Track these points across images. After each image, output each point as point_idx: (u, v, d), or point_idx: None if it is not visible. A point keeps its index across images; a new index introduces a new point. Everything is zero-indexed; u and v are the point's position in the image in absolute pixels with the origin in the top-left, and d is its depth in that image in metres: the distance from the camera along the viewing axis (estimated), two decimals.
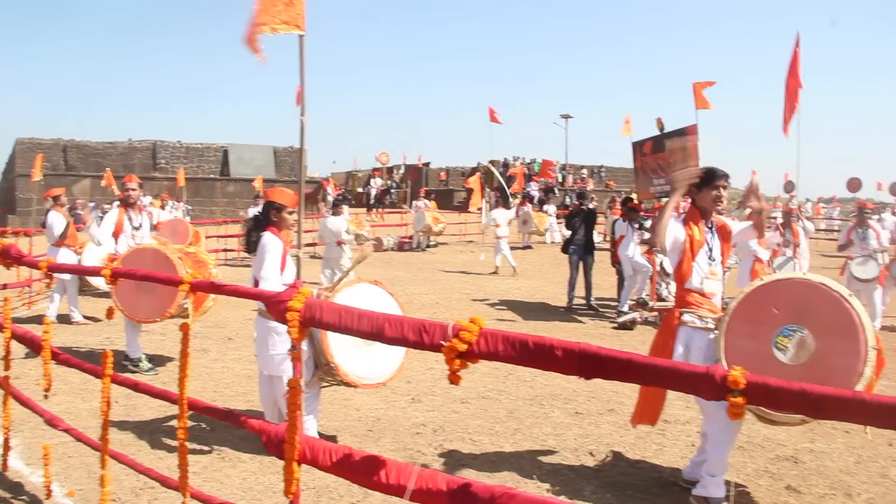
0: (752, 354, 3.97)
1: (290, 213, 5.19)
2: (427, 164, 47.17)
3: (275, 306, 2.70)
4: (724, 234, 4.70)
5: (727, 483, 4.44)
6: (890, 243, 11.64)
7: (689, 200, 4.75)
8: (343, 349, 4.75)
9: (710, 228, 4.64)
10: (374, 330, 2.36)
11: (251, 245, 5.14)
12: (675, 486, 4.69)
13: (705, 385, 1.78)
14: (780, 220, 11.21)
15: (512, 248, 18.27)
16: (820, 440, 5.62)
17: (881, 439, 5.59)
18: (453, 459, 5.12)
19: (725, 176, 4.60)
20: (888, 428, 1.74)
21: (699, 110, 12.25)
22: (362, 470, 2.49)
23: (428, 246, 23.25)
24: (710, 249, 4.57)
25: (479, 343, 2.08)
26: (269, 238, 5.04)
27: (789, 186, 31.41)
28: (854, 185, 36.52)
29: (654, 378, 1.96)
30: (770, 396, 1.78)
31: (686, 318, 4.44)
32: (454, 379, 2.14)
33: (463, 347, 2.09)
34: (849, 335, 3.76)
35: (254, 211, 17.46)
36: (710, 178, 4.57)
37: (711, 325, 4.36)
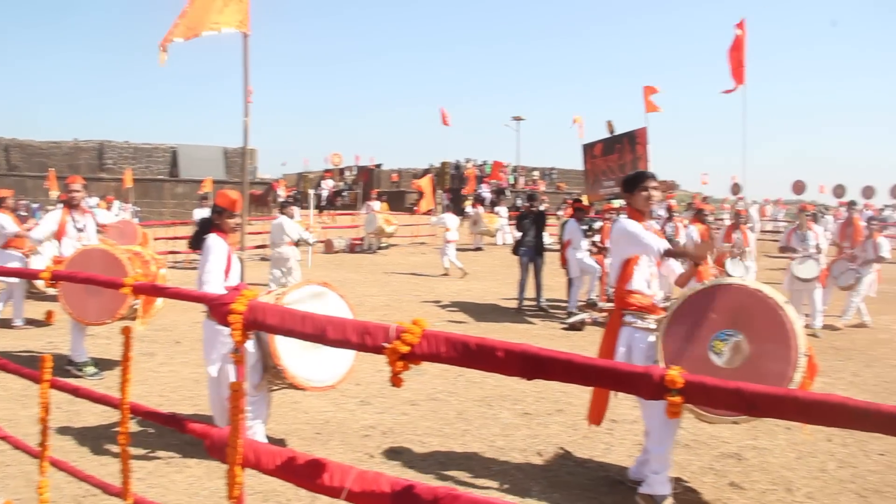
0: (689, 357, 4.05)
1: (233, 215, 5.15)
2: (379, 166, 47.11)
3: (217, 309, 2.67)
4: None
5: (672, 480, 4.51)
6: (830, 245, 11.93)
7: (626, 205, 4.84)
8: (291, 352, 4.71)
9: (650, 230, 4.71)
10: (317, 332, 2.34)
11: (196, 244, 5.11)
12: (622, 484, 4.75)
13: (644, 385, 1.81)
14: (729, 223, 11.45)
15: (463, 250, 18.33)
16: (763, 437, 5.74)
17: (820, 435, 5.72)
18: (402, 461, 5.11)
19: (652, 176, 4.69)
20: (819, 424, 1.78)
21: (648, 114, 12.48)
22: (305, 473, 2.47)
23: (379, 248, 23.18)
24: None
25: (422, 345, 2.08)
26: (213, 240, 5.00)
27: (736, 189, 31.95)
28: (799, 187, 37.44)
29: (594, 378, 1.98)
30: (707, 395, 1.81)
31: (628, 318, 4.50)
32: (396, 381, 2.13)
33: (405, 349, 2.08)
34: (782, 341, 3.87)
35: (200, 213, 17.26)
36: (638, 181, 4.67)
37: (653, 326, 4.42)
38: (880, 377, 8.14)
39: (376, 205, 24.34)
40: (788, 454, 5.43)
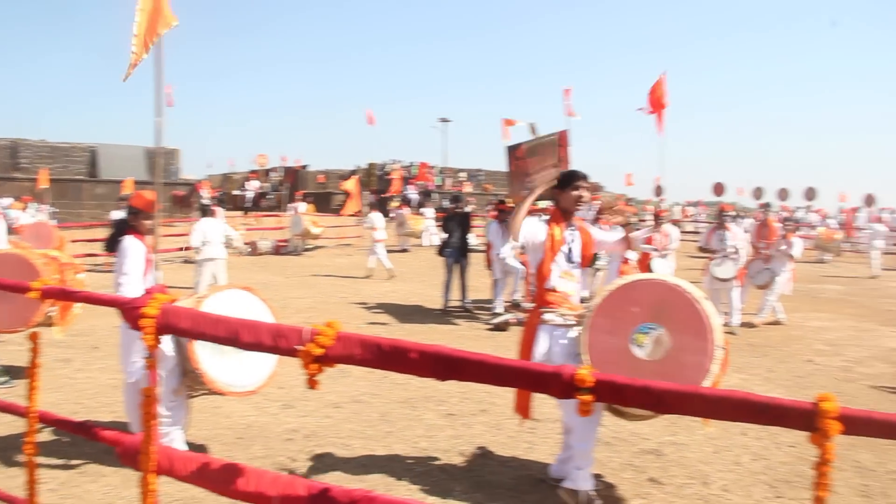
0: (612, 350, 4.12)
1: (149, 217, 5.05)
2: (305, 167, 46.68)
3: (129, 312, 2.61)
4: (586, 238, 4.82)
5: (594, 476, 4.59)
6: (753, 245, 12.29)
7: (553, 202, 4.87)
8: (211, 356, 4.63)
9: (572, 230, 4.76)
10: (230, 335, 2.31)
11: (112, 246, 5.00)
12: (544, 482, 4.80)
13: (554, 384, 1.83)
14: (651, 223, 11.68)
15: (389, 252, 18.28)
16: (682, 433, 5.86)
17: (735, 429, 5.88)
18: (324, 465, 5.08)
19: (585, 177, 4.74)
20: (723, 419, 1.82)
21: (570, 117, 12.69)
22: (221, 478, 2.43)
23: (305, 250, 22.97)
24: (570, 250, 4.69)
25: (336, 347, 2.07)
26: (129, 242, 4.89)
27: (658, 190, 32.64)
28: (718, 189, 38.52)
29: (506, 378, 2.00)
30: (617, 393, 1.84)
31: (547, 316, 4.53)
32: (312, 384, 2.12)
33: (319, 352, 2.07)
34: (699, 335, 3.98)
35: (118, 214, 16.79)
36: (571, 180, 4.71)
37: (573, 322, 4.47)
38: (793, 372, 8.41)
39: (302, 206, 24.10)
40: (705, 449, 5.56)
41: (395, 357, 1.99)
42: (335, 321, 2.15)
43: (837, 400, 1.72)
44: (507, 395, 5.02)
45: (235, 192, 43.60)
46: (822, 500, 1.71)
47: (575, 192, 4.66)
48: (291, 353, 2.16)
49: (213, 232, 11.72)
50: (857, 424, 1.71)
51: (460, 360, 1.91)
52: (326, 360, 2.08)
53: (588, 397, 1.79)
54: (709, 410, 1.79)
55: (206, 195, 26.52)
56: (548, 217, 4.82)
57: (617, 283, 4.40)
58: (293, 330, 2.17)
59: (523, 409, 4.73)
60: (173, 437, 4.72)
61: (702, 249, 11.77)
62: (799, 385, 7.78)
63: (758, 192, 37.66)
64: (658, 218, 11.78)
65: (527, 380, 1.93)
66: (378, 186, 40.15)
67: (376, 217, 18.09)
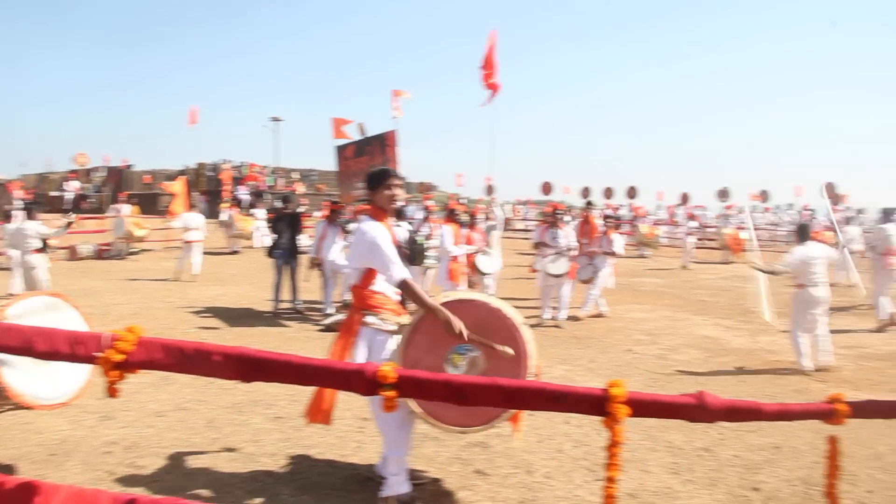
0: (427, 367, 4.11)
1: None
2: (130, 167, 44.77)
3: None
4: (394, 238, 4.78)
5: (419, 472, 4.64)
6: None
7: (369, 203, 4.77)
8: (15, 368, 4.36)
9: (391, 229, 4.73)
10: (23, 344, 2.19)
11: None
12: (372, 480, 4.81)
13: (358, 381, 1.85)
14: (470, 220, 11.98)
15: (218, 254, 17.82)
16: (507, 425, 6.02)
17: (559, 419, 6.11)
18: (146, 477, 4.88)
19: (396, 174, 4.67)
20: (521, 409, 1.90)
21: (398, 116, 12.79)
22: (17, 498, 2.30)
23: (130, 253, 22.00)
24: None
25: (137, 353, 2.00)
26: None
27: (490, 190, 33.42)
28: (546, 188, 39.97)
29: (312, 377, 2.00)
30: (420, 388, 1.88)
31: (369, 319, 4.48)
32: (112, 392, 2.04)
33: (119, 358, 2.00)
34: (515, 361, 4.06)
35: None
36: (382, 179, 4.62)
37: (394, 328, 4.45)
38: (613, 362, 8.84)
39: (125, 208, 23.08)
40: (530, 438, 5.75)
41: (199, 360, 1.95)
42: (136, 326, 2.07)
43: (626, 385, 1.83)
44: (339, 395, 4.96)
45: (53, 194, 41.15)
46: (612, 479, 1.81)
47: (387, 192, 4.59)
48: (90, 360, 2.06)
49: (19, 236, 11.03)
50: (644, 407, 1.82)
51: (265, 360, 1.89)
52: (127, 366, 2.01)
53: (391, 393, 1.82)
54: (508, 401, 1.86)
55: (18, 195, 24.90)
56: (367, 217, 4.73)
57: (440, 299, 4.35)
58: (91, 336, 2.09)
59: (321, 416, 4.50)
60: None
61: (536, 245, 12.16)
62: (618, 373, 8.18)
63: (585, 192, 39.26)
64: (472, 218, 12.12)
65: (331, 378, 1.94)
66: (208, 187, 39.08)
67: (191, 217, 17.53)
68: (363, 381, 1.83)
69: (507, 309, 4.25)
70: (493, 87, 13.13)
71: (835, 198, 27.75)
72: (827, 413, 2.25)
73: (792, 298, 8.78)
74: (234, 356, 1.91)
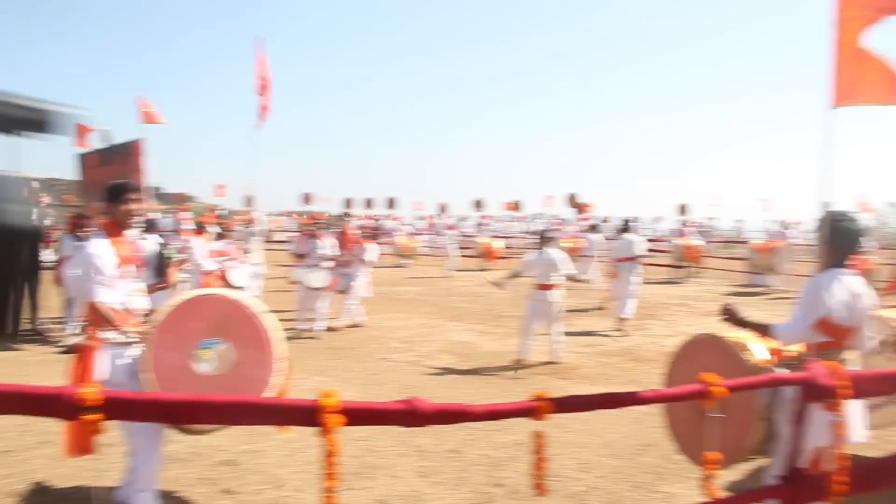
0: (175, 366, 4.05)
1: None
2: None
3: None
4: (134, 251, 4.62)
5: (162, 495, 4.46)
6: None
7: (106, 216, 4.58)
8: None
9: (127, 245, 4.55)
10: None
11: None
12: None
13: (56, 406, 1.74)
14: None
15: None
16: (258, 441, 5.93)
17: (309, 431, 6.07)
18: None
19: (136, 188, 4.55)
20: (241, 424, 1.88)
21: (147, 124, 12.28)
22: None
23: None
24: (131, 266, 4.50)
25: None
26: None
27: (249, 201, 32.81)
28: (307, 198, 39.96)
29: (7, 406, 1.86)
30: (127, 409, 1.81)
31: (106, 335, 4.28)
32: None
33: None
34: (259, 349, 4.10)
35: None
36: (120, 192, 4.47)
37: (136, 340, 4.28)
38: (368, 370, 8.98)
39: None
40: (280, 453, 5.69)
41: None
42: None
43: (339, 396, 1.86)
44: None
45: None
46: (330, 489, 1.83)
47: (124, 206, 4.43)
48: None
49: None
50: (357, 416, 1.86)
51: None
52: None
53: (96, 416, 1.73)
54: (222, 417, 1.84)
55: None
56: (103, 232, 4.51)
57: (178, 298, 4.32)
58: None
59: (81, 447, 4.13)
60: None
61: (298, 257, 12.11)
62: (373, 381, 8.31)
63: (348, 202, 39.57)
64: (227, 230, 11.96)
65: (24, 405, 1.81)
66: None
67: None
68: (62, 406, 1.73)
69: (246, 299, 4.28)
70: (264, 109, 12.66)
71: (578, 207, 29.69)
72: (531, 410, 2.42)
73: (527, 299, 9.49)
74: None
